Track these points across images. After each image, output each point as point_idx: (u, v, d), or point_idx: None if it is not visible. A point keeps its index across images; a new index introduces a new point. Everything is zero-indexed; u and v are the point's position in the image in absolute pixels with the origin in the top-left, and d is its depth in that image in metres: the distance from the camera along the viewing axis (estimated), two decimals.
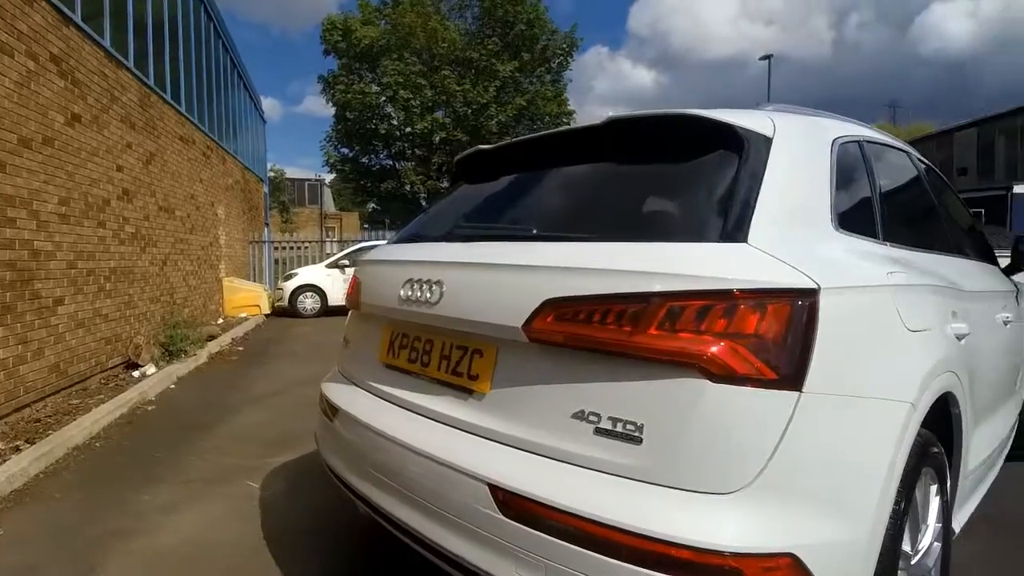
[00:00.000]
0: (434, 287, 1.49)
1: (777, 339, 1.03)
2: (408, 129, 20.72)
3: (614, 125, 1.51)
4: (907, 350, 1.31)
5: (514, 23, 19.56)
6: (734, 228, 1.16)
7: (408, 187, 22.20)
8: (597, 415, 1.12)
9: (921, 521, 1.41)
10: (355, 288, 1.99)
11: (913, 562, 1.37)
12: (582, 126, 1.66)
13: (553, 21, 20.99)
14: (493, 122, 19.85)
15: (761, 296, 1.05)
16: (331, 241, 17.44)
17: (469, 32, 20.71)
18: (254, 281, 12.62)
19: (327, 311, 11.12)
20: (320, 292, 11.18)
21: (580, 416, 1.15)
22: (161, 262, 6.79)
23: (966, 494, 1.84)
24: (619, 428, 1.08)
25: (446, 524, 1.28)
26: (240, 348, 7.40)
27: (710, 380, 1.02)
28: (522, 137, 1.91)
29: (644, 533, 0.99)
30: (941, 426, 1.50)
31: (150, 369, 5.43)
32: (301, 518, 2.53)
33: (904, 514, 1.19)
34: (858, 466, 1.10)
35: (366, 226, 22.45)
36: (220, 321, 9.37)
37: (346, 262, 11.42)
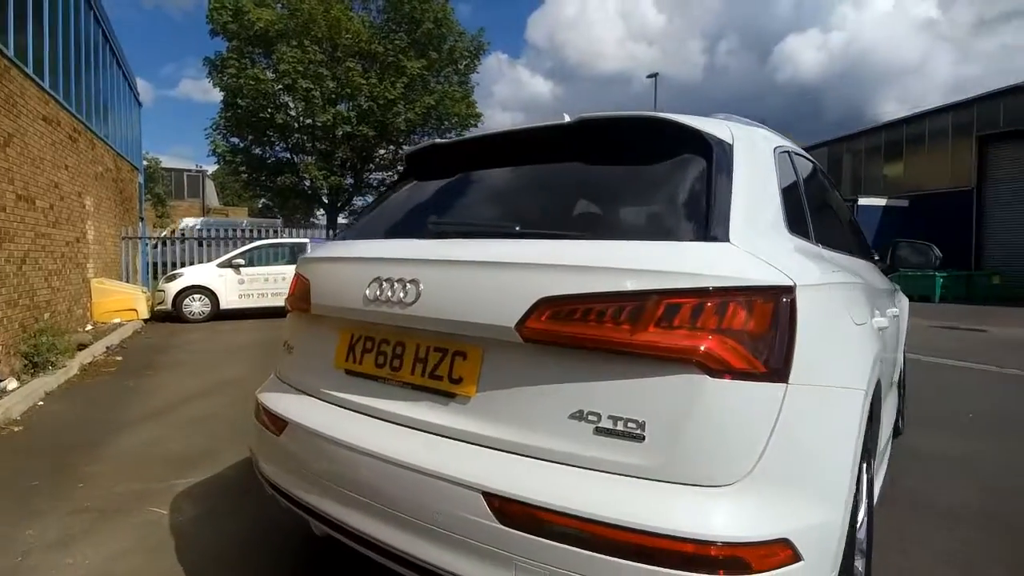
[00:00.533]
0: (409, 286, 1.42)
1: (767, 334, 1.11)
2: (308, 121, 19.59)
3: (585, 125, 1.54)
4: (856, 342, 1.47)
5: (421, 20, 19.19)
6: (717, 229, 1.24)
7: (309, 182, 21.01)
8: (597, 415, 1.13)
9: (861, 497, 1.58)
10: (300, 289, 1.84)
11: (858, 536, 1.53)
12: (549, 124, 1.66)
13: (460, 23, 20.93)
14: (401, 119, 19.31)
15: (751, 293, 1.12)
16: (215, 239, 16.01)
17: (374, 25, 20.01)
18: (128, 282, 11.33)
19: (218, 315, 10.23)
20: (210, 294, 10.26)
21: (579, 416, 1.15)
22: (19, 260, 5.88)
23: (877, 470, 2.09)
24: (620, 427, 1.11)
25: (433, 539, 1.23)
26: (118, 357, 6.60)
27: (709, 375, 1.07)
28: (482, 133, 1.89)
29: (651, 530, 1.02)
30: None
31: (11, 384, 4.68)
32: (225, 546, 2.31)
33: (858, 491, 1.32)
34: (833, 451, 1.21)
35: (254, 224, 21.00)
36: (89, 327, 8.30)
37: (241, 261, 10.61)
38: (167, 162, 32.91)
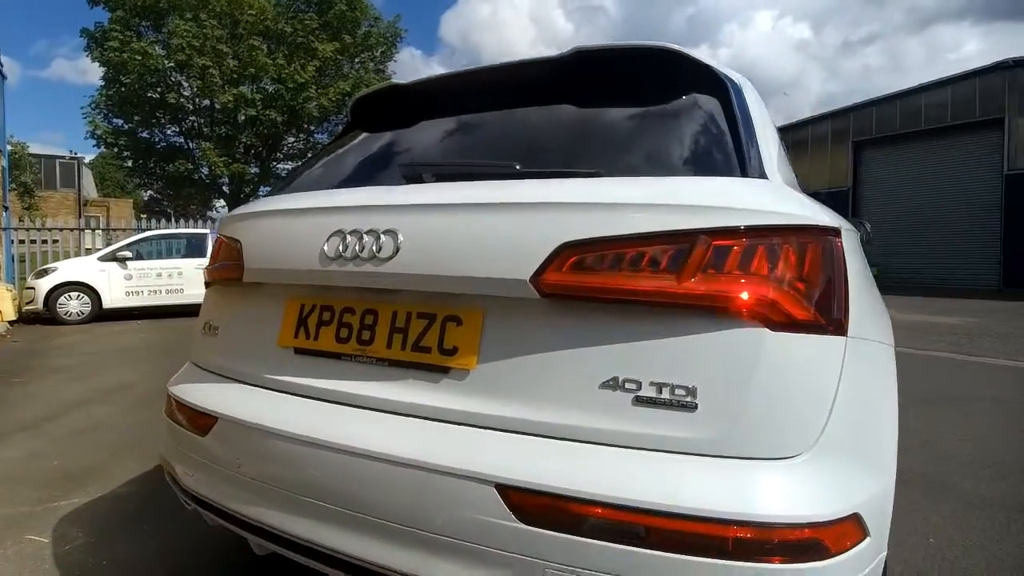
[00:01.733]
0: (384, 238, 1.14)
1: (825, 281, 0.97)
2: (206, 102, 17.96)
3: (582, 56, 1.35)
4: (877, 294, 1.37)
5: (333, 1, 18.16)
6: (754, 166, 1.10)
7: (206, 170, 19.25)
8: (635, 382, 0.93)
9: None
10: (226, 254, 1.49)
11: None
12: (538, 58, 1.45)
13: (376, 8, 20.12)
14: (313, 105, 18.15)
15: (806, 234, 0.97)
16: (95, 230, 14.24)
17: (281, 3, 18.67)
18: None
19: (101, 315, 9.03)
20: (91, 291, 9.02)
21: (613, 385, 0.94)
22: None
23: None
24: (666, 395, 0.91)
25: (431, 550, 0.98)
26: None
27: (769, 328, 0.91)
28: (456, 71, 1.62)
29: (716, 516, 0.84)
30: None
31: None
32: None
33: None
34: (883, 411, 1.09)
35: (143, 216, 18.98)
36: None
37: (128, 254, 9.44)
38: (36, 149, 28.90)
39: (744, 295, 0.91)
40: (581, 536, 0.88)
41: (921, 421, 3.61)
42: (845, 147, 19.92)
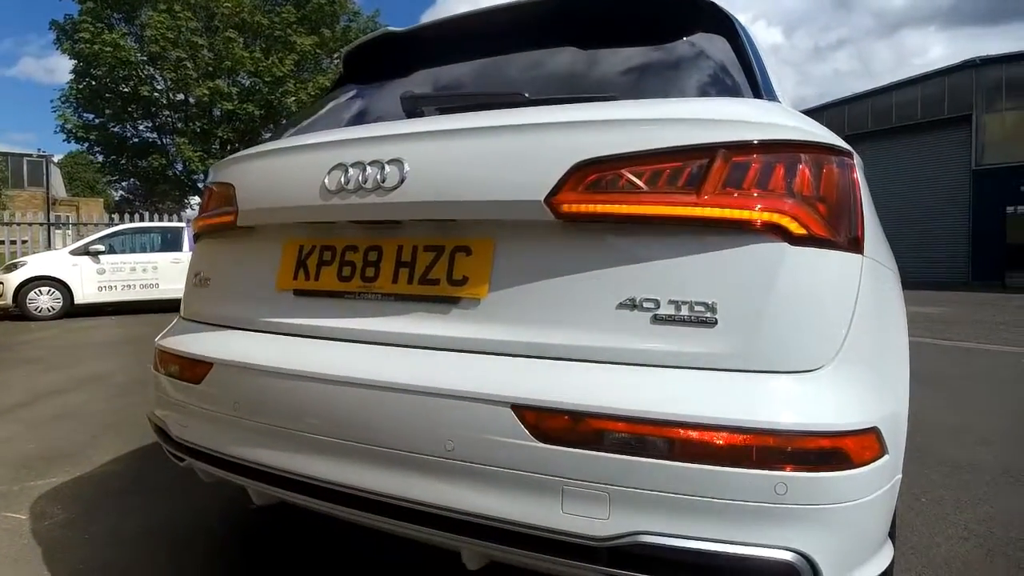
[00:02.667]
0: (389, 168, 1.09)
1: (843, 199, 0.97)
2: (180, 96, 17.55)
3: None
4: (878, 222, 1.39)
5: None
6: (767, 90, 1.12)
7: (181, 166, 18.82)
8: (654, 301, 0.91)
9: None
10: (219, 198, 1.42)
11: None
12: None
13: (355, 3, 19.93)
14: (291, 100, 17.86)
15: (824, 153, 0.97)
16: (65, 225, 13.78)
17: None
18: None
19: (73, 311, 8.76)
20: (62, 286, 8.74)
21: (631, 305, 0.92)
22: None
23: None
24: (685, 312, 0.89)
25: (445, 476, 0.95)
26: None
27: (789, 243, 0.90)
28: (453, 15, 1.58)
29: (741, 424, 0.83)
30: None
31: None
32: (108, 551, 1.81)
33: None
34: (895, 333, 1.10)
35: (114, 216, 18.52)
36: None
37: (101, 247, 9.17)
38: (2, 147, 27.95)
39: (764, 210, 0.90)
40: (600, 451, 0.86)
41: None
42: None
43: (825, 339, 0.90)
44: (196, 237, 1.58)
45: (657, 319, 0.91)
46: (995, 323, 7.70)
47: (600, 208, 0.95)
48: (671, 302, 0.91)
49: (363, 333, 1.13)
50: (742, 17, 1.38)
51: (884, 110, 18.42)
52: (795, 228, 0.90)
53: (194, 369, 1.29)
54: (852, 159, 1.02)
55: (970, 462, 2.56)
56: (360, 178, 1.12)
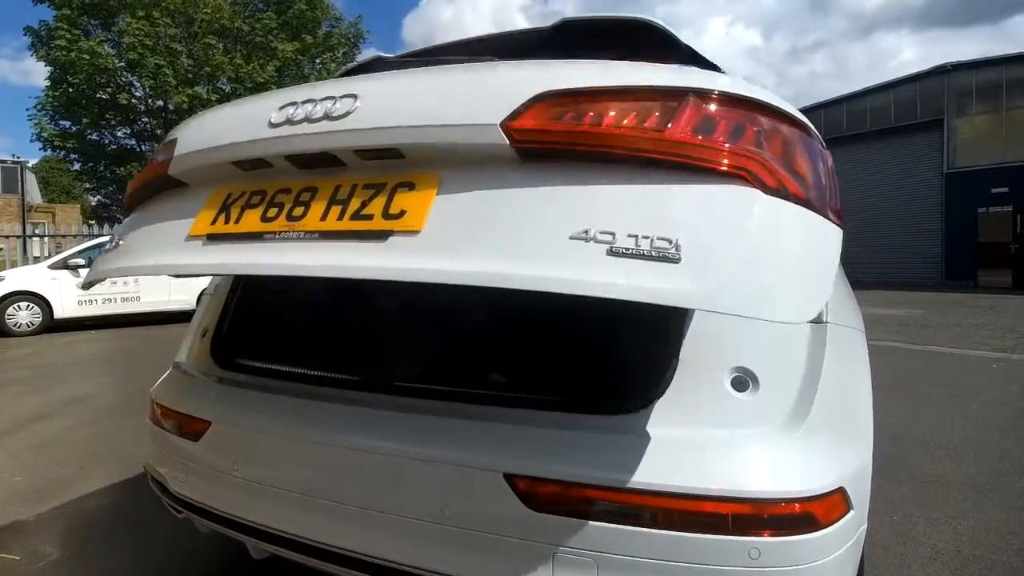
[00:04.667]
0: (341, 101, 1.02)
1: (817, 170, 0.94)
2: (159, 103, 17.35)
3: (568, 26, 1.40)
4: (845, 279, 1.46)
5: (292, 1, 17.84)
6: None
7: None
8: (610, 233, 0.84)
9: None
10: (160, 155, 1.31)
11: None
12: (525, 29, 1.48)
13: (337, 8, 19.91)
14: None
15: (797, 126, 0.95)
16: (40, 236, 13.56)
17: (239, 1, 18.21)
18: None
19: (53, 326, 8.63)
20: (42, 301, 8.61)
21: (584, 237, 0.84)
22: None
23: None
24: (645, 246, 0.82)
25: (440, 540, 1.01)
26: None
27: (762, 191, 0.85)
28: (441, 43, 1.62)
29: (718, 494, 0.89)
30: None
31: None
32: None
33: None
34: (861, 380, 1.16)
35: (91, 221, 18.20)
36: None
37: (81, 261, 9.04)
38: None
39: (736, 156, 0.87)
40: (588, 519, 0.93)
41: (876, 405, 3.82)
42: None
43: (794, 290, 0.83)
44: (128, 209, 1.43)
45: (614, 252, 0.83)
46: (968, 326, 7.93)
47: (558, 139, 0.90)
48: (630, 235, 0.83)
49: (274, 267, 1.00)
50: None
51: (859, 114, 18.82)
52: (768, 178, 0.87)
53: (192, 426, 1.33)
54: (825, 147, 1.01)
55: (939, 476, 2.68)
56: (309, 111, 1.04)
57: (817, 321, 1.05)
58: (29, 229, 14.29)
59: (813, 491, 0.92)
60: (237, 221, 1.10)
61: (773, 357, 1.02)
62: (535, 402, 1.06)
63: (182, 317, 9.12)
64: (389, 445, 1.07)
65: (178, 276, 1.15)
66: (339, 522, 1.09)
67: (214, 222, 1.12)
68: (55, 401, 4.39)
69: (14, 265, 10.94)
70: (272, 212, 1.06)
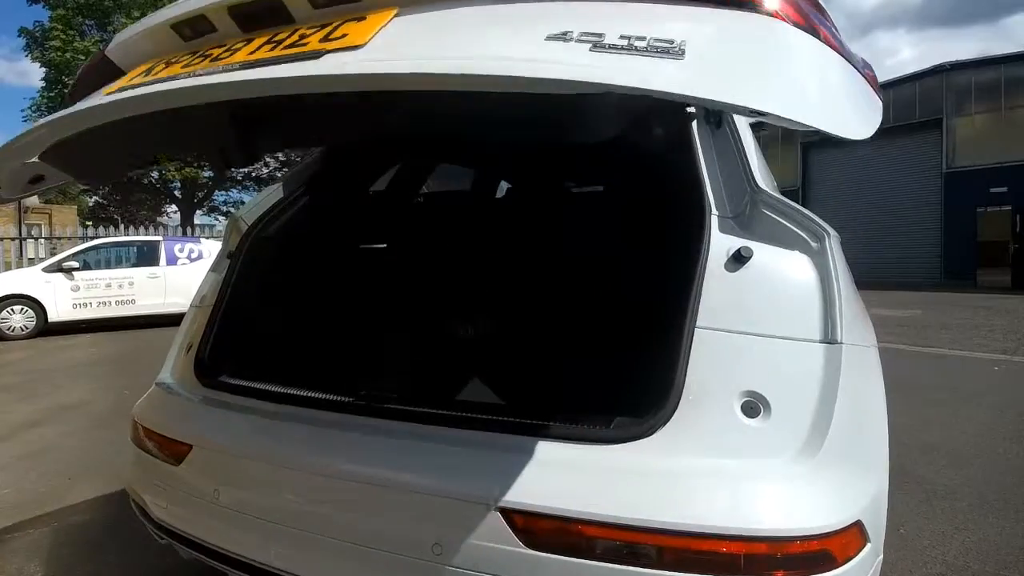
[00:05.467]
0: None
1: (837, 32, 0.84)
2: None
3: None
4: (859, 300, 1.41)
5: None
6: None
7: (157, 175, 18.50)
8: (596, 34, 0.73)
9: None
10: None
11: None
12: None
13: None
14: None
15: None
16: (36, 239, 13.49)
17: None
18: None
19: (47, 330, 8.55)
20: (35, 304, 8.53)
21: (563, 37, 0.74)
22: None
23: None
24: (640, 45, 0.71)
25: None
26: None
27: (783, 20, 0.75)
28: None
29: (728, 532, 0.84)
30: None
31: None
32: None
33: None
34: (877, 404, 1.10)
35: (88, 223, 18.06)
36: None
37: (75, 264, 8.97)
38: None
39: None
40: (590, 560, 0.87)
41: None
42: (794, 148, 20.66)
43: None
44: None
45: (599, 47, 0.72)
46: (968, 326, 7.89)
47: None
48: (622, 37, 0.73)
49: (176, 91, 0.88)
50: None
51: None
52: (787, 10, 0.77)
53: (173, 449, 1.27)
54: None
55: (945, 486, 2.63)
56: None
57: (831, 341, 0.99)
58: (25, 231, 14.20)
59: (830, 527, 0.86)
60: (156, 72, 0.98)
61: (785, 380, 0.97)
62: (531, 428, 1.00)
63: (178, 320, 9.03)
64: (378, 473, 1.02)
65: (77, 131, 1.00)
66: (328, 558, 1.04)
67: (133, 79, 0.99)
68: (47, 408, 4.32)
69: (9, 267, 10.86)
70: (197, 61, 0.94)
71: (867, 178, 18.54)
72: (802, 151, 20.48)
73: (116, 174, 1.13)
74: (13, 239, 12.03)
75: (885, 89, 18.18)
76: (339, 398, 1.19)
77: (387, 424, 1.09)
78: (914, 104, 17.47)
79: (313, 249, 1.84)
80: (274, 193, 1.81)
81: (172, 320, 9.03)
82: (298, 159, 19.81)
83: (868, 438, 1.05)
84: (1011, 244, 15.06)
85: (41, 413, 4.20)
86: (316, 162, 1.92)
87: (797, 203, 1.23)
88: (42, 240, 13.59)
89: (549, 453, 0.96)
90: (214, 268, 1.78)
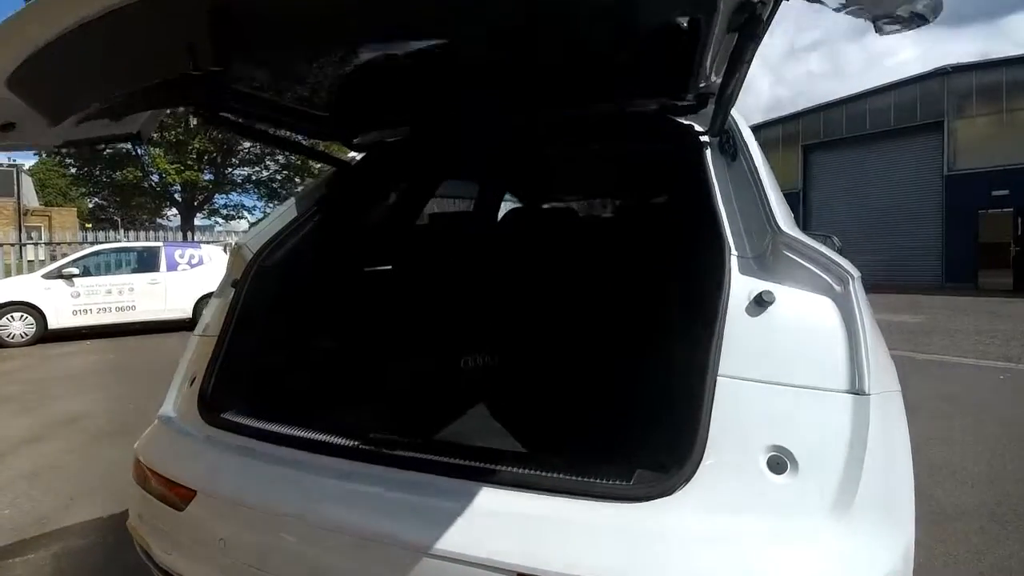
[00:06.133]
0: None
1: None
2: None
3: None
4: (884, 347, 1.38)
5: None
6: None
7: (157, 177, 18.46)
8: None
9: None
10: None
11: None
12: None
13: None
14: None
15: None
16: (35, 244, 13.47)
17: None
18: None
19: (47, 336, 8.51)
20: (35, 311, 8.49)
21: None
22: None
23: None
24: None
25: None
26: None
27: None
28: None
29: None
30: None
31: None
32: None
33: None
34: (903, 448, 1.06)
35: (88, 226, 18.03)
36: None
37: (75, 270, 8.94)
38: None
39: None
40: None
41: None
42: (795, 151, 20.63)
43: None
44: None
45: None
46: (973, 332, 7.86)
47: None
48: None
49: None
50: None
51: (858, 116, 18.76)
52: None
53: (177, 493, 1.23)
54: None
55: (957, 506, 2.59)
56: None
57: (859, 392, 0.96)
58: (25, 235, 14.17)
59: None
60: None
61: (812, 434, 0.93)
62: (550, 482, 0.97)
63: (178, 326, 9.03)
64: (389, 531, 0.98)
65: None
66: None
67: None
68: (46, 422, 4.29)
69: (8, 271, 10.83)
70: None
71: (868, 180, 18.50)
72: (803, 153, 20.45)
73: (89, 108, 0.99)
74: (12, 245, 11.98)
75: (886, 92, 18.16)
76: (348, 442, 1.16)
77: (398, 475, 1.06)
78: (915, 106, 17.44)
79: (321, 278, 1.81)
80: (278, 219, 1.78)
81: (172, 327, 9.03)
82: (297, 161, 19.67)
83: (897, 490, 1.01)
84: (1012, 247, 15.03)
85: (41, 427, 4.16)
86: (323, 185, 1.89)
87: (799, 205, 1.21)
88: (41, 245, 13.57)
89: (568, 512, 0.93)
90: (218, 295, 1.75)
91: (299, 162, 19.69)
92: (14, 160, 28.83)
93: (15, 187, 28.02)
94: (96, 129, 1.31)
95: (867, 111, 18.64)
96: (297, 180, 20.71)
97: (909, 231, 17.58)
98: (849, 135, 19.10)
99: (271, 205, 22.23)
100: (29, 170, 31.06)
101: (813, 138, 20.25)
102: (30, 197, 31.15)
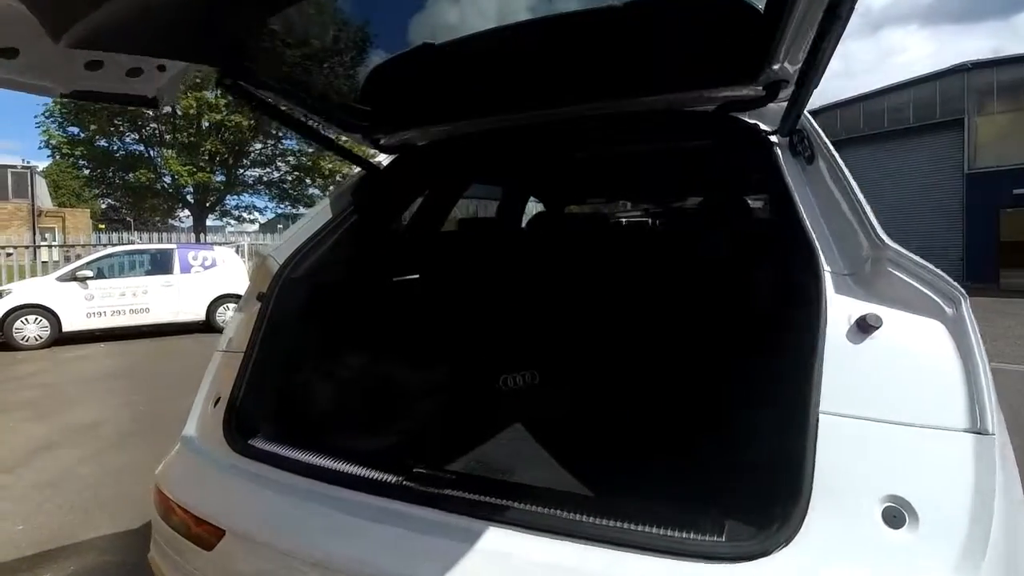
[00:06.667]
0: None
1: None
2: (167, 108, 17.26)
3: None
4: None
5: None
6: None
7: (169, 179, 18.51)
8: None
9: None
10: None
11: None
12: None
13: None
14: None
15: None
16: (50, 246, 13.53)
17: None
18: None
19: (62, 339, 8.50)
20: (50, 314, 8.47)
21: None
22: None
23: None
24: None
25: None
26: None
27: None
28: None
29: None
30: None
31: None
32: None
33: None
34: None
35: (101, 227, 18.11)
36: None
37: (89, 272, 8.91)
38: None
39: None
40: None
41: None
42: None
43: None
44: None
45: None
46: (996, 335, 7.63)
47: None
48: None
49: None
50: None
51: (876, 114, 18.46)
52: None
53: (205, 531, 1.13)
54: None
55: None
56: None
57: (981, 432, 0.83)
58: (39, 236, 14.25)
59: None
60: None
61: (934, 481, 0.81)
62: (627, 536, 0.85)
63: (192, 328, 9.00)
64: None
65: None
66: None
67: None
68: (61, 429, 4.22)
69: (23, 272, 10.87)
70: None
71: (887, 178, 18.19)
72: None
73: (91, 13, 0.88)
74: (27, 247, 12.03)
75: (905, 89, 17.85)
76: (387, 478, 1.05)
77: (450, 520, 0.95)
78: (935, 104, 17.12)
79: (351, 290, 1.70)
80: (304, 229, 1.67)
81: (186, 329, 9.00)
82: (308, 162, 19.69)
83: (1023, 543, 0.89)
84: None
85: (56, 434, 4.10)
86: (349, 191, 1.78)
87: None
88: (55, 246, 13.64)
89: (653, 573, 0.81)
90: (242, 307, 1.65)
91: (309, 163, 19.67)
92: (28, 162, 29.15)
93: (29, 189, 28.34)
94: (109, 81, 1.21)
95: (885, 108, 18.35)
96: (308, 181, 20.71)
97: (929, 230, 17.27)
98: (867, 133, 18.81)
99: (282, 206, 22.24)
100: (43, 171, 31.39)
101: (830, 136, 19.88)
102: (44, 198, 31.45)
